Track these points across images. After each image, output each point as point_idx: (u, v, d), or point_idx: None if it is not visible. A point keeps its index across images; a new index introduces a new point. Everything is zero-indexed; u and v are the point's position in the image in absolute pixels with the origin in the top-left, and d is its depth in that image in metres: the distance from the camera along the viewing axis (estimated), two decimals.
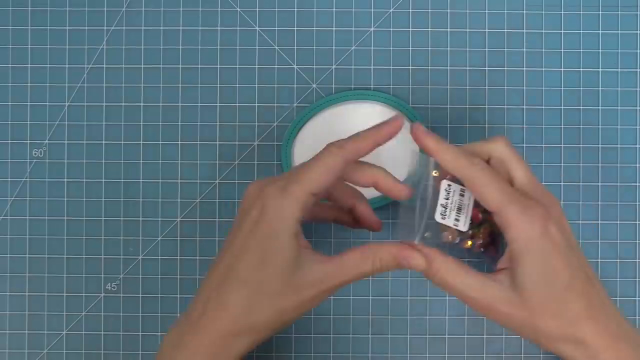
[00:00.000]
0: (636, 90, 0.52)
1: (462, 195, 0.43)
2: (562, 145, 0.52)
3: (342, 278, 0.41)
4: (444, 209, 0.43)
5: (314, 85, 0.52)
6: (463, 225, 0.43)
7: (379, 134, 0.42)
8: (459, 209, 0.43)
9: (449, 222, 0.43)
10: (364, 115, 0.51)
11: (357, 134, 0.42)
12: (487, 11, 0.52)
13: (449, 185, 0.43)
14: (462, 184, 0.43)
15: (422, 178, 0.44)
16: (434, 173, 0.44)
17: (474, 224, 0.44)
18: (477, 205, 0.43)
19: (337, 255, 0.41)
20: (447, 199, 0.43)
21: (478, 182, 0.41)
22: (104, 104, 0.52)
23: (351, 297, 0.51)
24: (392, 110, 0.50)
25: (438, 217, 0.43)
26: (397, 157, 0.49)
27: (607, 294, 0.43)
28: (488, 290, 0.41)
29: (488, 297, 0.41)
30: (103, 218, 0.52)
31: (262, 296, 0.40)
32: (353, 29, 0.52)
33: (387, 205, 0.51)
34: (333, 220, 0.47)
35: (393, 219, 0.51)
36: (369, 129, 0.42)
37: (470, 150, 0.43)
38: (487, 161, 0.43)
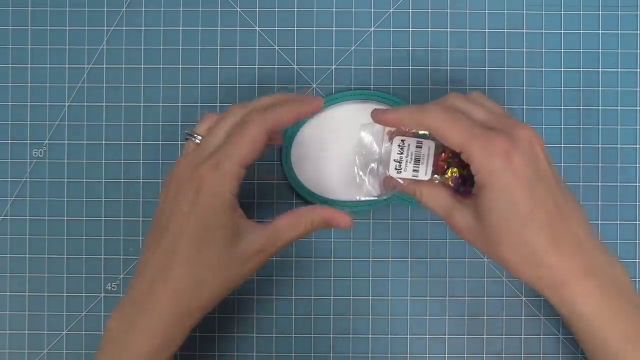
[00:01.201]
0: (636, 90, 0.52)
1: (419, 147, 0.45)
2: (562, 145, 0.52)
3: (280, 243, 0.43)
4: (397, 163, 0.45)
5: (314, 85, 0.52)
6: (424, 174, 0.45)
7: (301, 109, 0.44)
8: (417, 160, 0.45)
9: (407, 174, 0.45)
10: (364, 115, 0.50)
11: (279, 105, 0.43)
12: (487, 11, 0.52)
13: (402, 140, 0.45)
14: (420, 137, 0.45)
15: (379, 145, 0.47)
16: (387, 133, 0.46)
17: (438, 170, 0.45)
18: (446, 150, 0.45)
19: (272, 222, 0.43)
20: (401, 153, 0.45)
21: (438, 129, 0.42)
22: (104, 104, 0.52)
23: (351, 297, 0.51)
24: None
25: (393, 172, 0.45)
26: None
27: (586, 228, 0.42)
28: (455, 217, 0.43)
29: (456, 223, 0.43)
30: (103, 218, 0.52)
31: (207, 273, 0.41)
32: (353, 29, 0.52)
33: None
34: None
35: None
36: (290, 102, 0.44)
37: (407, 121, 0.44)
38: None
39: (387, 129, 0.47)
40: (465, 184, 0.45)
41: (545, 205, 0.41)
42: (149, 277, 0.42)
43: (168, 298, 0.41)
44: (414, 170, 0.45)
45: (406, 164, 0.45)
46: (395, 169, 0.45)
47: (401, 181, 0.46)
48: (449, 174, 0.45)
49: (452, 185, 0.45)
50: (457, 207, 0.44)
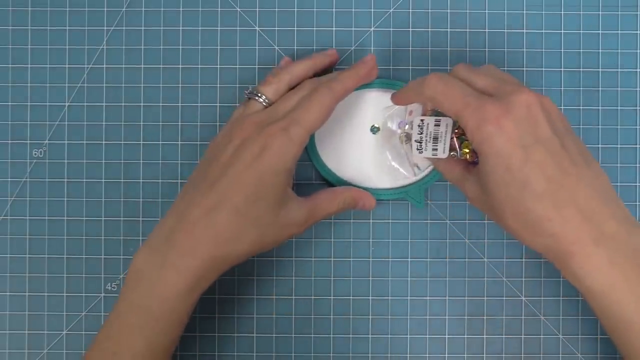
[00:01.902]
0: (636, 90, 0.52)
1: (437, 125, 0.46)
2: None
3: (317, 218, 0.46)
4: (418, 144, 0.46)
5: None
6: (442, 152, 0.46)
7: (361, 72, 0.47)
8: (435, 139, 0.45)
9: (427, 153, 0.46)
10: (370, 101, 0.50)
11: (341, 74, 0.46)
12: (487, 11, 0.52)
13: (422, 120, 0.46)
14: (439, 116, 0.46)
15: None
16: (408, 114, 0.48)
17: (452, 147, 0.46)
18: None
19: (311, 198, 0.46)
20: (421, 133, 0.46)
21: (434, 98, 0.43)
22: (104, 104, 0.52)
23: (351, 297, 0.51)
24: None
25: (415, 153, 0.46)
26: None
27: (602, 192, 0.39)
28: (466, 187, 0.45)
29: (467, 192, 0.45)
30: (103, 218, 0.52)
31: (251, 227, 0.43)
32: (353, 29, 0.52)
33: (395, 199, 0.51)
34: None
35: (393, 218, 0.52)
36: (348, 70, 0.47)
37: (410, 96, 0.46)
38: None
39: (409, 109, 0.48)
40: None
41: (544, 169, 0.39)
42: (192, 217, 0.42)
43: (208, 241, 0.42)
44: (433, 149, 0.45)
45: (426, 144, 0.46)
46: (417, 149, 0.46)
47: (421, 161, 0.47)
48: (464, 149, 0.46)
49: (471, 160, 0.45)
50: (466, 177, 0.45)
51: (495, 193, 0.41)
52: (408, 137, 0.48)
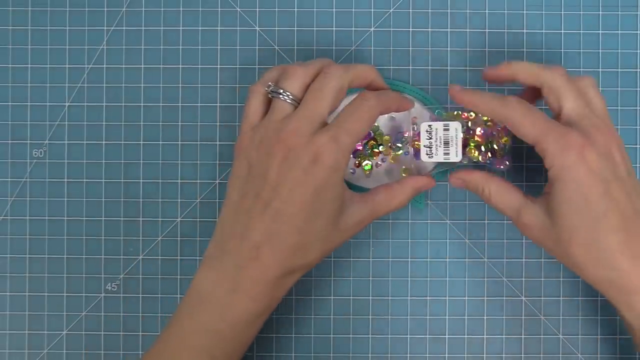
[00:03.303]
0: (636, 90, 0.52)
1: (446, 129, 0.46)
2: None
3: (375, 216, 0.45)
4: (427, 149, 0.46)
5: None
6: (455, 156, 0.46)
7: (403, 102, 0.46)
8: (446, 143, 0.46)
9: (439, 158, 0.46)
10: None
11: (387, 93, 0.46)
12: (487, 11, 0.52)
13: (429, 126, 0.46)
14: (444, 121, 0.47)
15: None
16: (413, 119, 0.49)
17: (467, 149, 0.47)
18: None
19: (369, 195, 0.45)
20: (430, 139, 0.46)
21: (513, 121, 0.43)
22: (104, 104, 0.52)
23: (351, 297, 0.51)
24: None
25: (425, 158, 0.46)
26: None
27: None
28: (525, 215, 0.43)
29: (525, 221, 0.43)
30: (103, 218, 0.52)
31: (313, 242, 0.42)
32: (353, 29, 0.52)
33: None
34: None
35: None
36: (395, 93, 0.46)
37: (526, 71, 0.44)
38: (540, 89, 0.44)
39: (413, 114, 0.49)
40: (496, 157, 0.46)
41: (620, 206, 0.40)
42: (255, 241, 0.41)
43: (275, 264, 0.42)
44: (444, 154, 0.46)
45: (436, 148, 0.46)
46: (427, 154, 0.46)
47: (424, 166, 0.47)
48: (474, 152, 0.46)
49: (484, 162, 0.46)
50: (527, 205, 0.43)
51: (567, 221, 0.41)
52: (411, 143, 0.49)
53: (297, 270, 0.43)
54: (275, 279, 0.42)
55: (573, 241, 0.41)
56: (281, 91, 0.43)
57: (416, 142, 0.48)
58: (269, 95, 0.44)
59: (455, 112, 0.48)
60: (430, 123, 0.46)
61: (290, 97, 0.43)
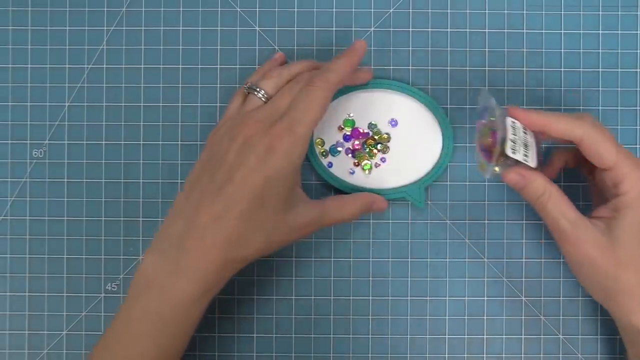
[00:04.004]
0: (636, 90, 0.52)
1: (525, 133, 0.44)
2: (562, 145, 0.51)
3: (325, 222, 0.46)
4: (513, 143, 0.43)
5: None
6: (532, 161, 0.44)
7: (351, 60, 0.46)
8: (526, 146, 0.43)
9: (519, 156, 0.43)
10: (376, 105, 0.51)
11: (334, 63, 0.45)
12: (487, 11, 0.52)
13: (513, 122, 0.44)
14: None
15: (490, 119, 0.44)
16: (497, 112, 0.44)
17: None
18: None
19: (321, 202, 0.46)
20: (515, 135, 0.43)
21: (592, 141, 0.43)
22: (104, 104, 0.52)
23: (351, 297, 0.51)
24: (409, 100, 0.51)
25: (509, 152, 0.43)
26: (422, 142, 0.51)
27: None
28: (581, 227, 0.43)
29: (580, 234, 0.43)
30: (103, 218, 0.52)
31: (258, 232, 0.43)
32: (353, 29, 0.52)
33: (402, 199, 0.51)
34: None
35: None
36: (339, 59, 0.46)
37: (557, 127, 0.43)
38: (568, 140, 0.44)
39: (484, 105, 0.45)
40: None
41: None
42: (201, 222, 0.42)
43: (219, 247, 0.42)
44: (524, 155, 0.43)
45: (519, 147, 0.44)
46: (511, 148, 0.43)
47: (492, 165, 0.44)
48: (500, 157, 0.44)
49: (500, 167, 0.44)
50: (584, 220, 0.43)
51: (627, 244, 0.42)
52: (490, 131, 0.44)
53: (239, 261, 0.43)
54: (218, 264, 0.42)
55: (631, 267, 0.42)
56: (256, 88, 0.46)
57: (487, 139, 0.45)
58: (246, 92, 0.47)
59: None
60: (514, 120, 0.44)
61: (263, 93, 0.46)
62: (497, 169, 0.44)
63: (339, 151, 0.51)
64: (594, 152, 0.43)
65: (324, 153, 0.51)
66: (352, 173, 0.50)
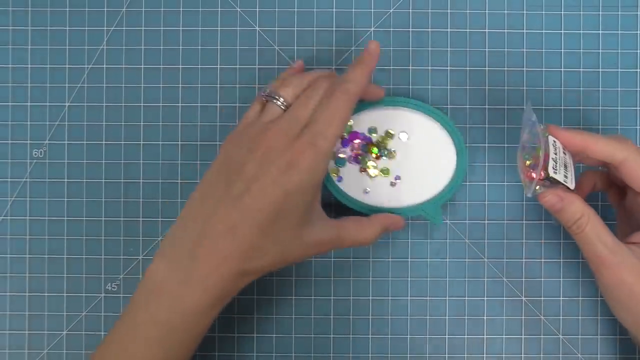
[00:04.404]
0: (636, 90, 0.52)
1: (565, 154, 0.43)
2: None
3: (340, 243, 0.45)
4: (554, 163, 0.42)
5: None
6: (571, 183, 0.43)
7: (369, 66, 0.45)
8: (565, 166, 0.43)
9: (559, 176, 0.42)
10: (391, 122, 0.50)
11: (352, 72, 0.45)
12: (487, 11, 0.52)
13: (555, 141, 0.43)
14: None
15: (531, 136, 0.44)
16: (539, 129, 0.43)
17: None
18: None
19: (340, 222, 0.45)
20: (556, 154, 0.43)
21: (634, 164, 0.42)
22: (104, 104, 0.52)
23: (351, 297, 0.51)
24: (419, 116, 0.50)
25: (551, 171, 0.42)
26: (437, 159, 0.50)
27: None
28: (619, 253, 0.42)
29: (617, 259, 0.42)
30: (103, 218, 0.52)
31: (274, 245, 0.42)
32: (353, 29, 0.52)
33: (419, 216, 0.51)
34: None
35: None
36: (357, 67, 0.45)
37: (597, 148, 0.43)
38: (606, 162, 0.44)
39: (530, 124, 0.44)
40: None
41: None
42: (215, 232, 0.41)
43: (232, 258, 0.41)
44: (564, 175, 0.43)
45: (559, 167, 0.43)
46: (553, 168, 0.42)
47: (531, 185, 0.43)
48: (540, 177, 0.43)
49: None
50: (622, 246, 0.43)
51: None
52: (531, 151, 0.44)
53: (251, 273, 0.43)
54: (229, 276, 0.42)
55: None
56: (275, 96, 0.45)
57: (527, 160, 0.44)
58: (264, 99, 0.46)
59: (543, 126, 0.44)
60: (555, 139, 0.43)
61: (282, 101, 0.45)
62: (537, 187, 0.43)
63: (344, 159, 0.50)
64: (635, 176, 0.43)
65: (335, 170, 0.50)
66: (367, 193, 0.50)
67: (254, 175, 0.42)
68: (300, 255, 0.44)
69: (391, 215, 0.48)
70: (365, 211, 0.49)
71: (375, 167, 0.50)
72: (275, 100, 0.45)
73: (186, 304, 0.41)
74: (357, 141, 0.50)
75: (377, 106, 0.50)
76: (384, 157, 0.50)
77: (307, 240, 0.43)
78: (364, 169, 0.50)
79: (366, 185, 0.50)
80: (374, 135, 0.50)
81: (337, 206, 0.50)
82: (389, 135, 0.50)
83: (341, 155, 0.50)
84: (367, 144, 0.50)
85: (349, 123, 0.50)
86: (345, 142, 0.50)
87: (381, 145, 0.50)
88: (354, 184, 0.50)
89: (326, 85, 0.45)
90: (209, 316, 0.43)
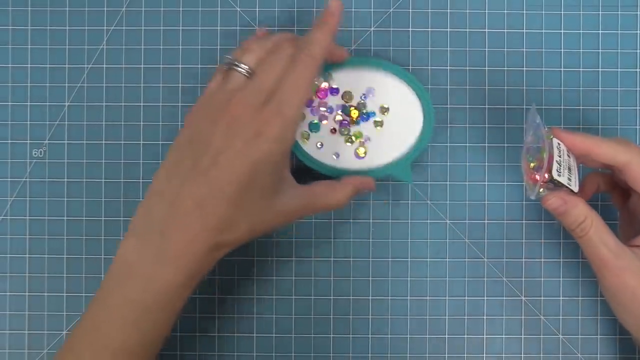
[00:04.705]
0: (636, 90, 0.52)
1: (569, 156, 0.43)
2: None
3: (312, 208, 0.45)
4: (558, 165, 0.42)
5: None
6: (575, 186, 0.43)
7: (331, 26, 0.44)
8: (569, 169, 0.43)
9: (563, 179, 0.42)
10: (362, 82, 0.49)
11: (314, 34, 0.43)
12: (487, 11, 0.52)
13: (559, 143, 0.43)
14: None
15: (535, 138, 0.44)
16: (543, 132, 0.43)
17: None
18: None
19: (309, 187, 0.45)
20: (560, 156, 0.42)
21: (630, 168, 0.42)
22: (104, 104, 0.52)
23: (351, 297, 0.51)
24: (392, 79, 0.49)
25: (555, 174, 0.42)
26: (404, 119, 0.49)
27: None
28: (622, 256, 0.42)
29: (620, 263, 0.42)
30: (103, 218, 0.52)
31: (245, 217, 0.42)
32: (353, 29, 0.52)
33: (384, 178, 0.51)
34: None
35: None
36: (319, 28, 0.44)
37: (600, 150, 0.43)
38: (609, 165, 0.44)
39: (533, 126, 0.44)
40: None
41: None
42: (184, 208, 0.41)
43: (203, 234, 0.41)
44: (568, 178, 0.43)
45: (563, 170, 0.43)
46: (557, 170, 0.42)
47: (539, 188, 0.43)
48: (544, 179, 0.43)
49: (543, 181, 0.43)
50: (625, 249, 0.43)
51: None
52: (535, 154, 0.44)
53: (224, 246, 0.42)
54: (202, 252, 0.41)
55: None
56: (236, 63, 0.43)
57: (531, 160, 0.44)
58: (226, 68, 0.44)
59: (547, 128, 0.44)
60: (559, 141, 0.43)
61: (246, 68, 0.43)
62: (541, 190, 0.43)
63: (318, 124, 0.49)
64: (638, 179, 0.43)
65: (306, 135, 0.49)
66: (337, 157, 0.49)
67: (220, 147, 0.41)
68: (273, 225, 0.44)
69: (361, 177, 0.47)
70: (334, 175, 0.48)
71: (351, 134, 0.49)
72: (237, 68, 0.43)
73: (159, 283, 0.41)
74: (339, 112, 0.49)
75: (341, 67, 0.49)
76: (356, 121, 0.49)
77: (279, 209, 0.43)
78: (334, 131, 0.49)
79: (336, 149, 0.49)
80: (346, 98, 0.49)
81: (307, 172, 0.49)
82: (351, 96, 0.49)
83: (315, 121, 0.49)
84: (347, 107, 0.49)
85: (322, 85, 0.49)
86: (310, 103, 0.49)
87: (361, 108, 0.49)
88: (324, 148, 0.49)
89: (289, 49, 0.43)
90: (183, 294, 0.42)
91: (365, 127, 0.49)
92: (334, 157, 0.49)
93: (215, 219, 0.41)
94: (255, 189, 0.41)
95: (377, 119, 0.49)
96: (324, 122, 0.49)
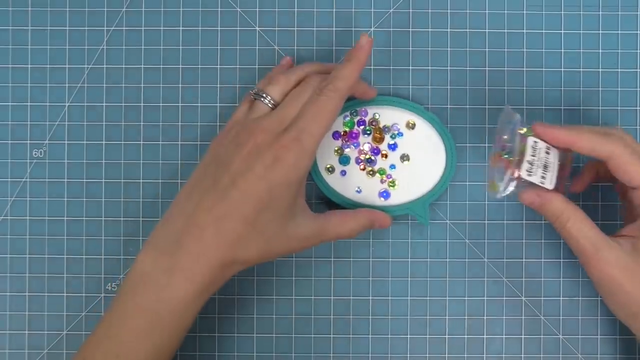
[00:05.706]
0: (636, 90, 0.52)
1: (547, 153, 0.43)
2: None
3: (324, 237, 0.46)
4: (530, 165, 0.43)
5: None
6: (549, 184, 0.43)
7: (360, 62, 0.45)
8: (545, 167, 0.43)
9: (535, 179, 0.43)
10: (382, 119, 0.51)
11: (342, 69, 0.45)
12: (487, 11, 0.52)
13: (535, 142, 0.43)
14: (546, 143, 0.43)
15: (512, 137, 0.44)
16: (520, 130, 0.44)
17: (561, 189, 0.44)
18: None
19: (323, 216, 0.46)
20: (534, 156, 0.43)
21: (619, 160, 0.42)
22: (104, 104, 0.52)
23: (351, 297, 0.51)
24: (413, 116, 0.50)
25: (524, 174, 0.43)
26: (427, 160, 0.50)
27: None
28: (602, 247, 0.42)
29: (604, 256, 0.42)
30: (103, 218, 0.52)
31: (259, 237, 0.43)
32: (353, 29, 0.52)
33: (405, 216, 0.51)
34: None
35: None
36: (347, 63, 0.45)
37: (584, 142, 0.43)
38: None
39: (505, 124, 0.45)
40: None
41: None
42: (201, 222, 0.42)
43: (217, 248, 0.42)
44: (542, 177, 0.43)
45: (537, 168, 0.43)
46: (527, 170, 0.43)
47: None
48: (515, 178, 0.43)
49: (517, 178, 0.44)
50: (609, 242, 0.43)
51: None
52: (507, 153, 0.44)
53: (236, 263, 0.43)
54: (216, 265, 0.42)
55: None
56: (262, 94, 0.46)
57: (502, 154, 0.44)
58: (252, 98, 0.46)
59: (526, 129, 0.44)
60: (536, 140, 0.43)
61: (270, 99, 0.46)
62: (512, 188, 0.43)
63: (348, 157, 0.50)
64: (621, 171, 0.42)
65: (330, 169, 0.50)
66: (359, 192, 0.50)
67: (240, 170, 0.42)
68: (285, 249, 0.45)
69: (377, 211, 0.48)
70: (351, 207, 0.50)
71: (374, 171, 0.50)
72: (262, 99, 0.46)
73: (172, 293, 0.42)
74: (366, 144, 0.50)
75: (366, 104, 0.50)
76: (379, 157, 0.50)
77: (291, 234, 0.44)
78: (372, 172, 0.50)
79: (358, 184, 0.50)
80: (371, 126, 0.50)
81: (323, 200, 0.50)
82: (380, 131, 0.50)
83: (346, 152, 0.50)
84: (375, 128, 0.50)
85: (345, 120, 0.50)
86: (336, 135, 0.50)
87: (386, 133, 0.50)
88: (347, 181, 0.50)
89: (315, 83, 0.45)
90: (195, 307, 0.43)
91: (388, 163, 0.50)
92: (356, 191, 0.50)
93: (230, 235, 0.42)
94: (271, 212, 0.43)
95: (403, 151, 0.50)
96: (349, 151, 0.50)
